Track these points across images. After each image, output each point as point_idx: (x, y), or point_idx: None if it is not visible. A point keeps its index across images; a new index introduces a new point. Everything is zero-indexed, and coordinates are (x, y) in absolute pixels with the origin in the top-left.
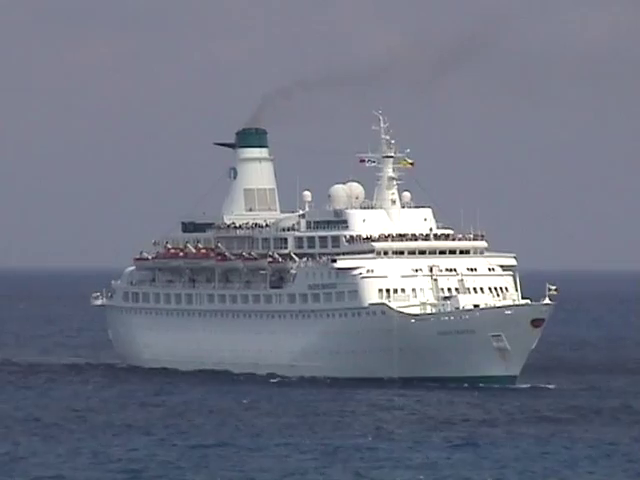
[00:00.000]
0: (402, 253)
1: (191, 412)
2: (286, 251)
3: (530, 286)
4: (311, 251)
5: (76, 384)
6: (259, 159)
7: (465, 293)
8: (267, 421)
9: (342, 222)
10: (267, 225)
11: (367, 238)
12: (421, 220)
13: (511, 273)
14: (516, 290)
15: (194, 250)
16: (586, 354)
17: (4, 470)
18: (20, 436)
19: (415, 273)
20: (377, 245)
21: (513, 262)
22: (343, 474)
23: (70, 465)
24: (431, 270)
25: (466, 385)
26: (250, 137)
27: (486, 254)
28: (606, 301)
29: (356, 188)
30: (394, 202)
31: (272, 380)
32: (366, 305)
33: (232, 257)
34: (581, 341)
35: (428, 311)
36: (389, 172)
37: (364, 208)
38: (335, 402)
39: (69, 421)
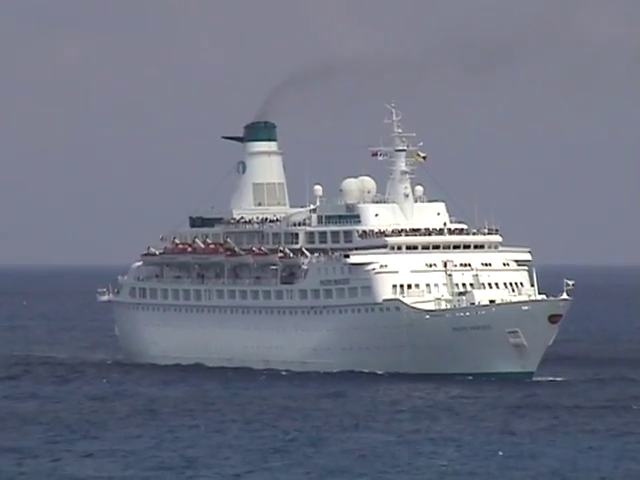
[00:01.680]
0: (416, 248)
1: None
2: (297, 246)
3: (545, 281)
4: (323, 246)
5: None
6: (268, 153)
7: (480, 288)
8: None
9: (354, 217)
10: (277, 220)
11: (380, 233)
12: (434, 214)
13: (526, 268)
14: (532, 285)
15: (202, 245)
16: (585, 347)
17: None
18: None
19: (429, 268)
20: (390, 240)
21: (528, 257)
22: None
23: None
24: (445, 265)
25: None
26: (259, 131)
27: (501, 249)
28: (609, 296)
29: (368, 182)
30: (407, 196)
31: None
32: (380, 301)
33: (242, 252)
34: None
35: (443, 307)
36: (402, 166)
37: (376, 202)
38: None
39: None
